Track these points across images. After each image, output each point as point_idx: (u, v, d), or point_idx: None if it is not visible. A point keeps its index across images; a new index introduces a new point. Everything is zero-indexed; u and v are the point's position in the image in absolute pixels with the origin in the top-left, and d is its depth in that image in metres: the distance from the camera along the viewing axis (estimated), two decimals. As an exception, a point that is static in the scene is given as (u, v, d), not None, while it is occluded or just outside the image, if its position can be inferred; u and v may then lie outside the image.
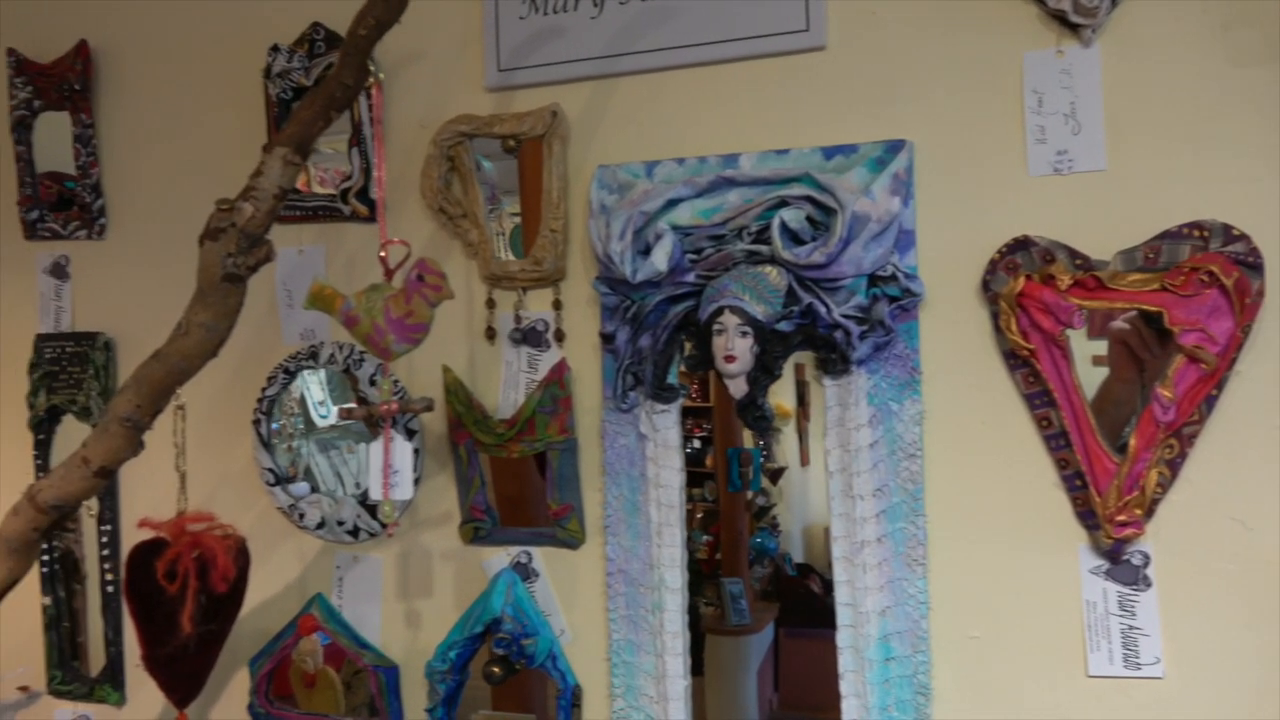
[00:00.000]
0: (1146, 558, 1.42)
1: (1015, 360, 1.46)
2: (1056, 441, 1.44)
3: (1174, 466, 1.39)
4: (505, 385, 1.76)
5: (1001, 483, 1.48)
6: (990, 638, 1.49)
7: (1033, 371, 1.44)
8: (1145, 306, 1.37)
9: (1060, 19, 1.45)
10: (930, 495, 1.50)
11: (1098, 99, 1.44)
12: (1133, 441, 1.38)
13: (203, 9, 1.98)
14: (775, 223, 1.47)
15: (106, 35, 2.05)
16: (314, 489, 1.89)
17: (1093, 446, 1.41)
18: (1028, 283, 1.41)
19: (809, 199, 1.47)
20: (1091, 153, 1.45)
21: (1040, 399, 1.45)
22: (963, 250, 1.49)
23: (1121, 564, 1.43)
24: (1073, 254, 1.42)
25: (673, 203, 1.56)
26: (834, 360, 1.49)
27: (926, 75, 1.52)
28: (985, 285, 1.47)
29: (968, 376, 1.50)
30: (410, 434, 1.76)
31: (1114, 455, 1.40)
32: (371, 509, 1.81)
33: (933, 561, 1.50)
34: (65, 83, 2.04)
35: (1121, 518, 1.39)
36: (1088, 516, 1.43)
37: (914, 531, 1.49)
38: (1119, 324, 1.42)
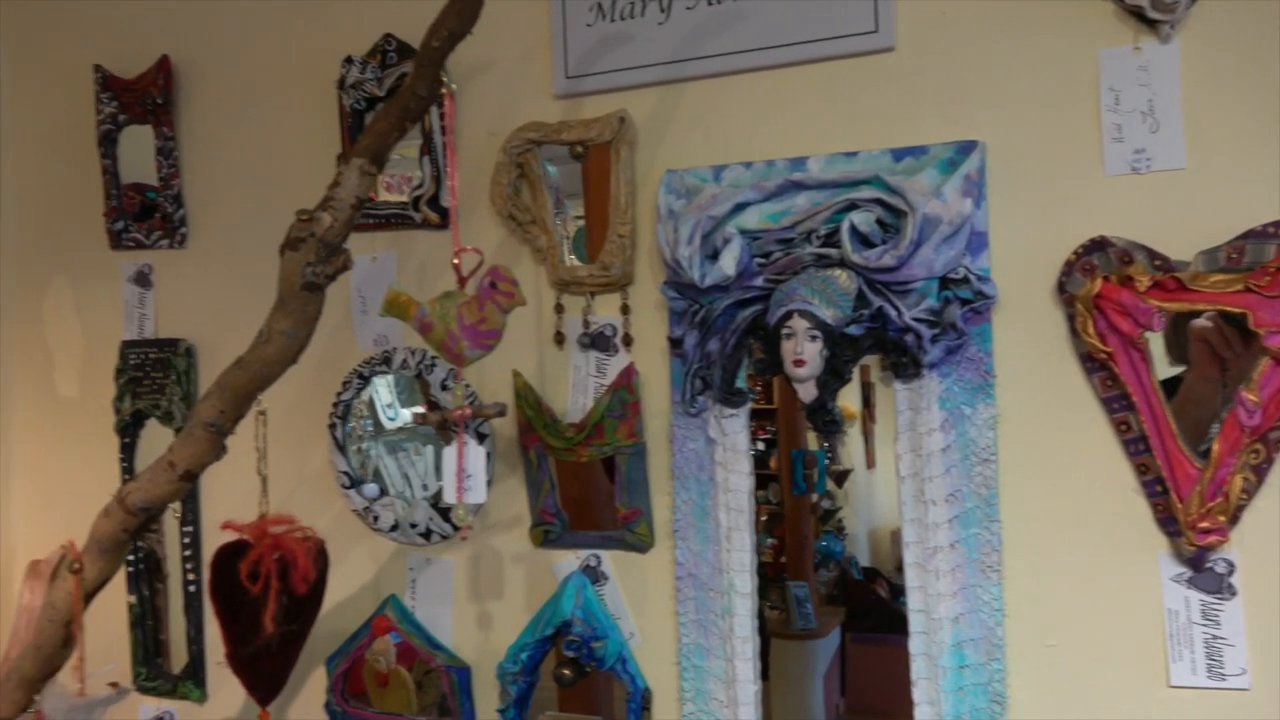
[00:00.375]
0: (1231, 566, 1.38)
1: (1092, 363, 1.43)
2: (1136, 446, 1.41)
3: (1260, 472, 1.35)
4: (574, 390, 1.77)
5: (1079, 488, 1.45)
6: (1068, 646, 1.46)
7: (1110, 375, 1.41)
8: (1228, 308, 1.34)
9: (1137, 15, 1.42)
10: (1005, 501, 1.48)
11: (1176, 96, 1.41)
12: (1216, 446, 1.35)
13: (278, 24, 2.03)
14: (844, 226, 1.46)
15: (187, 51, 2.11)
16: (382, 490, 1.93)
17: (1174, 451, 1.38)
18: (1105, 284, 1.39)
19: (879, 201, 1.46)
20: (1170, 151, 1.42)
21: (1118, 403, 1.42)
22: (1037, 252, 1.47)
23: (1204, 572, 1.39)
24: (1151, 255, 1.39)
25: (741, 207, 1.56)
26: (905, 364, 1.48)
27: (998, 74, 1.50)
28: (1061, 287, 1.45)
29: (1043, 380, 1.47)
30: (481, 438, 1.78)
31: (1196, 460, 1.37)
32: (443, 511, 1.84)
33: (1008, 568, 1.48)
34: (148, 97, 2.10)
35: (1204, 524, 1.35)
36: (1169, 523, 1.40)
37: (988, 537, 1.47)
38: (1201, 322, 1.39)
